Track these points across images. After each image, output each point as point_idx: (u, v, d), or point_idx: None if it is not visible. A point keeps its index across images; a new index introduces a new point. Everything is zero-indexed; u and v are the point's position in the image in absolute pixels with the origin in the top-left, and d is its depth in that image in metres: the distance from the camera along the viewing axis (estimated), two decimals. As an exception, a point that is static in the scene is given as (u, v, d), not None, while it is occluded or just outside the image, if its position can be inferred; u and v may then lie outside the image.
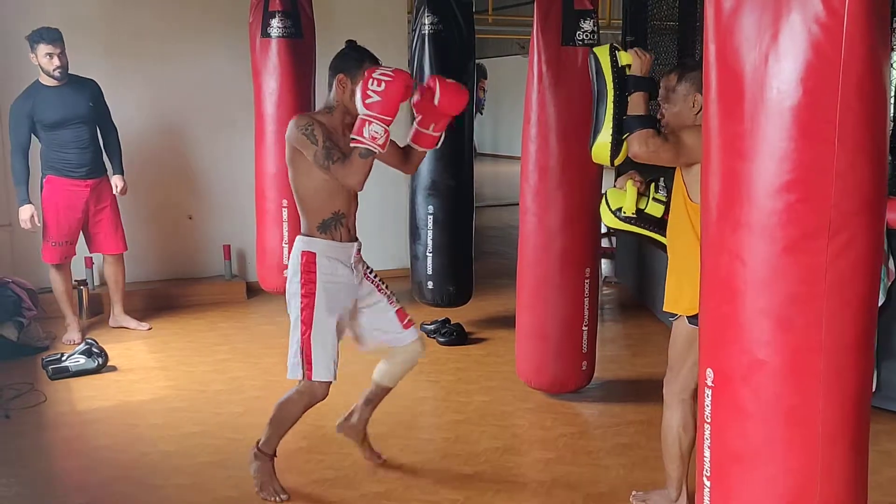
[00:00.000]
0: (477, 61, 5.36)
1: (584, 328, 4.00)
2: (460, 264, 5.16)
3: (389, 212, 6.46)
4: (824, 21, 1.65)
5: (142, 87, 5.77)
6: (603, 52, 2.84)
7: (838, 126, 1.69)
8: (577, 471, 3.42)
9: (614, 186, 3.13)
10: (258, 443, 3.18)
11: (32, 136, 4.84)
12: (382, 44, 6.36)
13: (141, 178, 5.61)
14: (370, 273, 3.23)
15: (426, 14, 4.89)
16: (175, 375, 4.53)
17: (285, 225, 5.21)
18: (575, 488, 3.28)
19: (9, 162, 5.47)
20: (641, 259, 5.95)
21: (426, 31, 4.89)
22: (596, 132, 2.84)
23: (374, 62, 3.01)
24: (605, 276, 6.47)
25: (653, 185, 3.04)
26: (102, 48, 5.66)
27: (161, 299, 5.81)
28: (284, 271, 5.18)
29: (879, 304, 3.11)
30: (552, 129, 3.82)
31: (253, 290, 6.05)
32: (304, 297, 3.03)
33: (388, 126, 2.84)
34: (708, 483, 2.01)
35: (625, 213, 3.03)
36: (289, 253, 5.16)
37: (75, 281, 5.29)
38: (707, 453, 2.00)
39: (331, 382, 3.09)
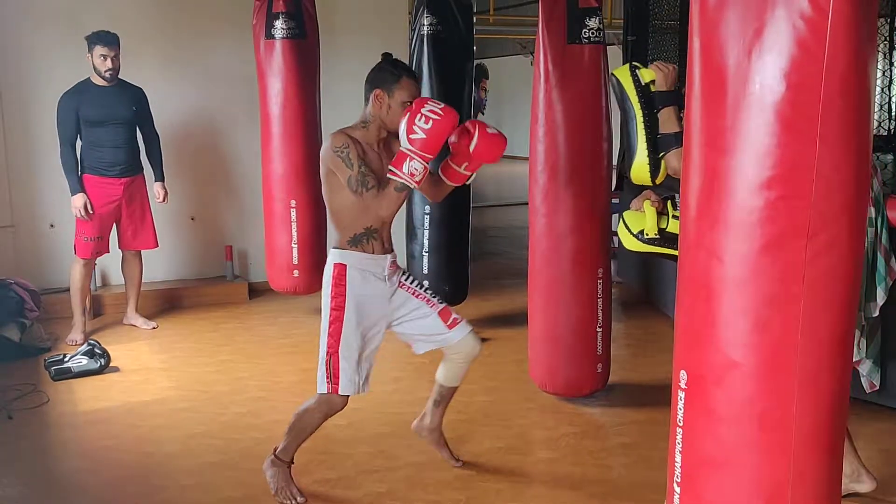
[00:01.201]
0: (478, 61, 5.36)
1: (598, 329, 3.95)
2: (456, 264, 5.16)
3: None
4: (809, 16, 1.63)
5: (145, 89, 5.76)
6: (623, 73, 2.81)
7: (821, 123, 1.66)
8: (579, 471, 3.42)
9: (629, 209, 3.10)
10: (275, 450, 3.15)
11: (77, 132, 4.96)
12: (382, 44, 6.39)
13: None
14: (406, 280, 3.16)
15: (425, 14, 4.89)
16: (178, 376, 4.54)
17: (294, 225, 5.24)
18: (578, 488, 3.28)
19: (11, 163, 5.53)
20: (644, 259, 5.94)
21: (425, 32, 4.90)
22: (631, 154, 2.80)
23: (412, 76, 3.02)
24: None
25: (670, 203, 3.01)
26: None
27: (164, 300, 5.82)
28: (294, 272, 5.28)
29: (881, 303, 3.12)
30: (560, 127, 3.79)
31: (255, 291, 6.06)
32: (334, 309, 3.00)
33: (427, 164, 2.85)
34: (678, 489, 1.96)
35: (647, 235, 2.99)
36: (298, 253, 5.25)
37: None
38: (678, 458, 1.95)
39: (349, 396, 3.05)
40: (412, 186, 2.87)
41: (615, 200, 6.53)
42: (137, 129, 5.14)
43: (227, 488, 3.27)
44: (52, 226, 5.61)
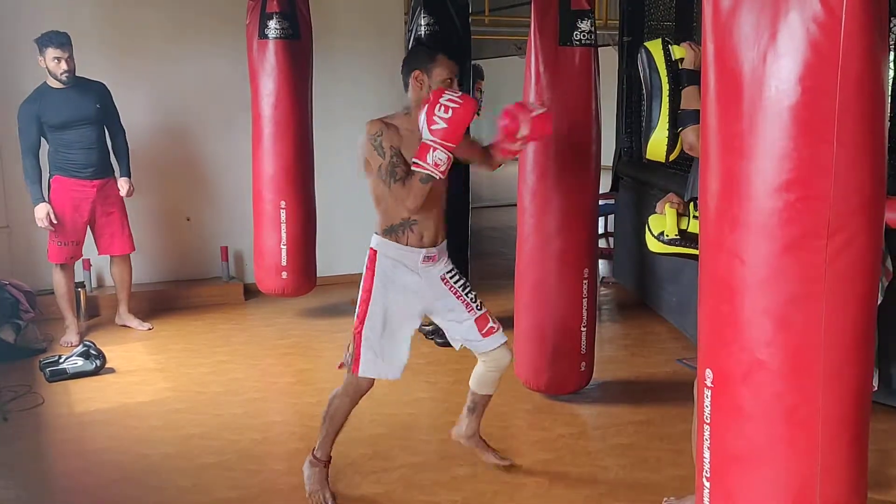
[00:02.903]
0: (474, 62, 5.36)
1: (582, 329, 3.99)
2: (458, 264, 5.14)
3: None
4: (822, 20, 1.65)
5: (139, 88, 5.76)
6: (655, 47, 2.82)
7: (837, 125, 1.69)
8: (575, 471, 3.43)
9: (655, 213, 3.12)
10: (313, 450, 3.17)
11: (41, 137, 4.88)
12: (378, 45, 6.40)
13: (139, 180, 5.59)
14: (451, 278, 3.15)
15: (422, 15, 4.89)
16: (174, 377, 4.53)
17: (283, 226, 5.22)
18: (574, 489, 3.28)
19: (5, 164, 5.51)
20: (640, 259, 5.95)
21: (422, 32, 4.89)
22: (650, 128, 2.81)
23: (446, 55, 3.00)
24: (603, 277, 6.48)
25: (692, 205, 3.03)
26: (101, 50, 5.65)
27: (159, 301, 5.81)
28: (282, 273, 5.27)
29: (878, 304, 3.13)
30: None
31: (251, 292, 6.05)
32: (363, 291, 3.03)
33: (451, 153, 2.83)
34: (707, 484, 2.01)
35: (667, 235, 3.01)
36: (287, 255, 5.23)
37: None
38: (707, 454, 2.00)
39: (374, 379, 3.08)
40: (437, 177, 2.84)
41: (611, 201, 6.57)
42: (105, 127, 5.02)
43: (225, 489, 3.27)
44: (47, 227, 5.58)
